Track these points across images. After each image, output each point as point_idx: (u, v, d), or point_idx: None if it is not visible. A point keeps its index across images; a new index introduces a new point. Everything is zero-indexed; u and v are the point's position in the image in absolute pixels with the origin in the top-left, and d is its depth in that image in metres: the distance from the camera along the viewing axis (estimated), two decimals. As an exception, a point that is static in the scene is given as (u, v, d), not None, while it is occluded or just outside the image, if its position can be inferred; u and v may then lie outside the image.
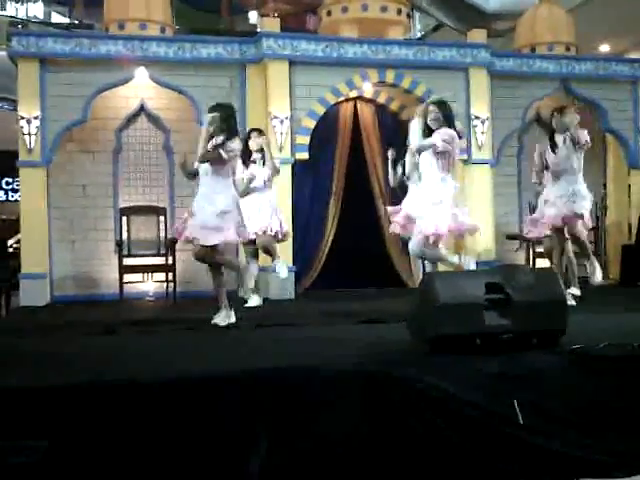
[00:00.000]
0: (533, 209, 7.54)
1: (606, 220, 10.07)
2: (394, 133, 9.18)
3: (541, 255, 8.02)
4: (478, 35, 9.45)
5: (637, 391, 3.51)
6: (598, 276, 6.43)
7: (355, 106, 9.53)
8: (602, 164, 10.44)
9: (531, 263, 8.87)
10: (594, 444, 3.30)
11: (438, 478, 3.15)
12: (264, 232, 6.86)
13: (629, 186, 10.30)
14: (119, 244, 8.12)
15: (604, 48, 13.54)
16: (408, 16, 10.38)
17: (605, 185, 10.21)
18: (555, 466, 3.18)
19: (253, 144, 7.02)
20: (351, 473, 3.12)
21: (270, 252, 6.96)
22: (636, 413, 3.46)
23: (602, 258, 9.63)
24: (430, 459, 3.19)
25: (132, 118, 8.80)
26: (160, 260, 8.17)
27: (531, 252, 9.00)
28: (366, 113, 9.57)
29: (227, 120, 5.47)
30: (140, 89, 8.68)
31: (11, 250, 10.98)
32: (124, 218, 8.37)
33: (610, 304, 6.71)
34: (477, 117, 9.09)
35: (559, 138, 6.51)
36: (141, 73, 8.42)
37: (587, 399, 3.46)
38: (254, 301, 6.80)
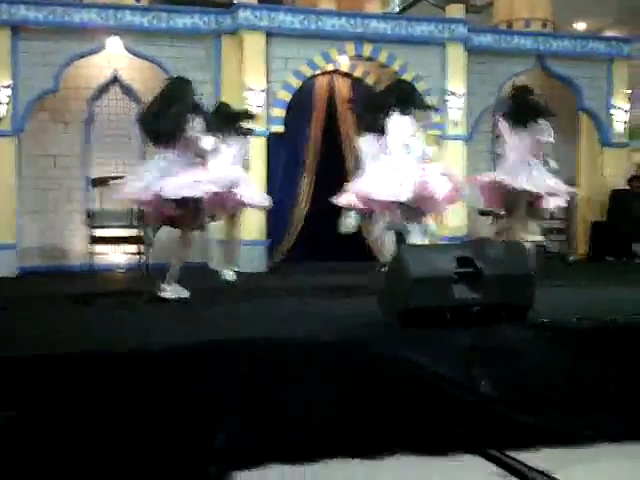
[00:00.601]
0: None
1: (577, 197, 10.15)
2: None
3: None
4: (456, 10, 9.43)
5: (599, 363, 3.56)
6: None
7: (331, 80, 9.48)
8: (575, 141, 10.51)
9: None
10: (559, 414, 3.35)
11: (408, 448, 3.18)
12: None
13: (601, 164, 10.38)
14: (90, 215, 8.05)
15: (580, 26, 13.56)
16: (386, -10, 10.33)
17: (577, 162, 10.28)
18: (521, 435, 3.23)
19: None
20: (322, 445, 3.14)
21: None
22: (599, 383, 3.52)
23: (572, 233, 9.77)
24: (401, 430, 3.22)
25: (105, 88, 8.70)
26: (131, 232, 8.12)
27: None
28: (342, 87, 9.52)
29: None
30: (113, 59, 8.56)
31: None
32: (95, 189, 8.28)
33: (579, 278, 6.79)
34: (453, 93, 9.09)
35: None
36: (115, 42, 8.30)
37: (554, 371, 3.50)
38: (228, 275, 6.80)
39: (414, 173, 5.57)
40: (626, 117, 10.10)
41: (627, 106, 10.16)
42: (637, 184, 10.30)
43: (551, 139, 6.49)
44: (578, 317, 3.82)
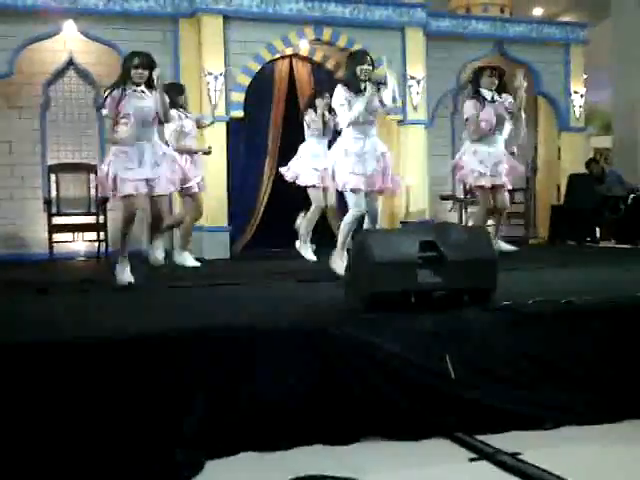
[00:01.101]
0: None
1: (536, 181, 10.30)
2: (329, 92, 9.11)
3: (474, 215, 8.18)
4: (415, -5, 9.43)
5: (564, 345, 3.62)
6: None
7: (291, 64, 9.43)
8: (533, 126, 10.63)
9: (464, 223, 9.02)
10: (525, 397, 3.40)
11: (375, 433, 3.20)
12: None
13: (559, 148, 10.53)
14: (48, 202, 7.91)
15: (537, 11, 13.70)
16: (345, -27, 10.25)
17: (536, 147, 10.41)
18: (488, 419, 3.27)
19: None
20: (289, 431, 3.14)
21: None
22: (565, 366, 3.57)
23: (532, 218, 9.90)
24: (366, 415, 3.23)
25: (60, 72, 8.53)
26: (91, 219, 8.00)
27: (464, 212, 9.15)
28: (302, 71, 9.48)
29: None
30: (69, 42, 8.39)
31: None
32: (53, 176, 8.14)
33: (539, 262, 6.88)
34: (413, 77, 9.11)
35: None
36: (69, 26, 8.13)
37: (518, 354, 3.54)
38: (190, 261, 6.77)
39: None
40: (582, 102, 10.24)
41: (584, 90, 10.30)
42: (595, 168, 10.48)
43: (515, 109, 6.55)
44: (535, 300, 3.87)
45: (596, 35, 11.06)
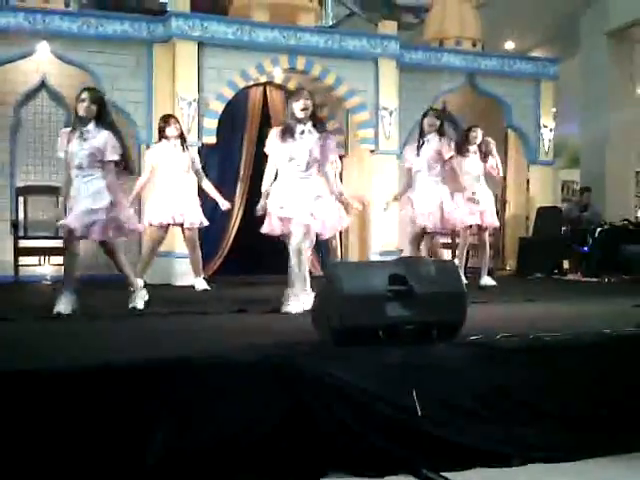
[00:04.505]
0: None
1: (505, 214, 10.40)
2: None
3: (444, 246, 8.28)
4: (388, 26, 9.56)
5: (533, 381, 3.62)
6: None
7: (265, 91, 9.47)
8: (503, 159, 10.75)
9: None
10: (493, 433, 3.38)
11: (341, 469, 3.16)
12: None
13: (527, 181, 10.66)
14: (15, 225, 7.80)
15: (509, 45, 13.91)
16: (320, 4, 10.38)
17: (505, 179, 10.52)
18: (455, 455, 3.25)
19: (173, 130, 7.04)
20: (254, 465, 3.09)
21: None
22: (533, 403, 3.57)
23: (501, 250, 9.98)
24: (332, 450, 3.20)
25: (32, 94, 8.49)
26: (58, 242, 7.88)
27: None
28: (276, 99, 9.52)
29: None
30: (41, 64, 8.36)
31: None
32: (21, 198, 8.04)
33: (507, 295, 6.92)
34: (385, 108, 9.20)
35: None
36: (43, 48, 8.10)
37: (487, 389, 3.53)
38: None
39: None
40: (551, 136, 10.40)
41: (553, 124, 10.47)
42: (585, 197, 10.55)
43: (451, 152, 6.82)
44: (503, 335, 3.88)
45: (567, 69, 11.27)
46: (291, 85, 9.51)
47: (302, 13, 9.57)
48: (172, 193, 6.93)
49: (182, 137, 7.10)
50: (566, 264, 10.39)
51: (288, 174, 5.30)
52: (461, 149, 7.26)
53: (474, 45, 10.33)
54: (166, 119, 7.12)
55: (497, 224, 7.72)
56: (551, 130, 10.40)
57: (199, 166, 7.19)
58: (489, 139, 7.47)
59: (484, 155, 7.41)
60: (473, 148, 7.40)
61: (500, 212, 9.88)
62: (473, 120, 10.31)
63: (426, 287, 3.75)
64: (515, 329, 4.08)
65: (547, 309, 5.71)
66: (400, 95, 9.35)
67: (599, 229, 9.71)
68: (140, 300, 5.34)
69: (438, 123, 6.83)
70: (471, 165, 7.38)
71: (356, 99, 9.15)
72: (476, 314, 4.27)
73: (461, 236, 7.49)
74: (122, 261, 5.25)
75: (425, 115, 6.95)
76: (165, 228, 7.00)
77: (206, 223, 7.09)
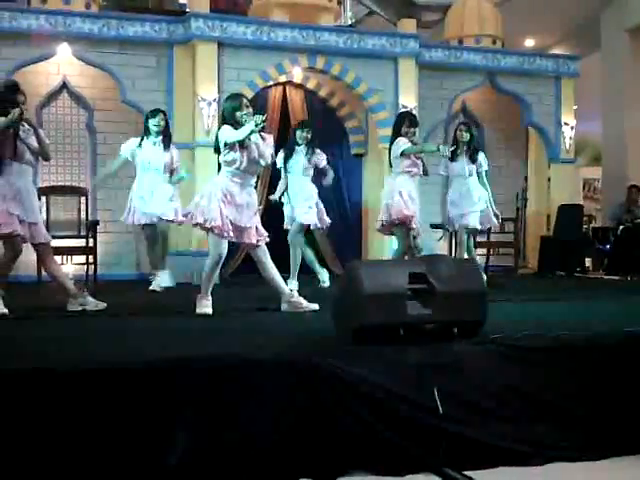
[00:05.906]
0: None
1: (526, 212, 10.33)
2: (323, 119, 9.18)
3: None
4: (408, 25, 9.53)
5: (553, 380, 3.60)
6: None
7: (284, 91, 9.47)
8: (524, 157, 10.70)
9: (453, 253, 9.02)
10: (513, 433, 3.37)
11: (361, 468, 3.16)
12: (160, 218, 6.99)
13: (548, 179, 10.58)
14: (37, 225, 7.84)
15: (529, 43, 13.82)
16: (339, 3, 10.38)
17: (526, 178, 10.45)
18: (476, 454, 3.24)
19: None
20: (275, 465, 3.10)
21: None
22: (552, 402, 3.55)
23: (522, 248, 9.92)
24: (352, 449, 3.20)
25: (53, 95, 8.54)
26: (80, 242, 7.95)
27: (454, 242, 9.14)
28: (295, 98, 9.52)
29: None
30: (63, 66, 8.42)
31: None
32: (43, 198, 8.09)
33: (528, 293, 6.88)
34: (405, 107, 9.15)
35: None
36: (64, 49, 8.16)
37: (506, 388, 3.52)
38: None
39: None
40: (572, 133, 10.32)
41: (574, 122, 10.38)
42: (634, 193, 10.28)
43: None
44: (524, 333, 3.86)
45: (587, 66, 11.17)
46: (310, 84, 9.52)
47: (321, 12, 9.55)
48: (149, 192, 6.97)
49: (165, 134, 7.03)
50: (588, 262, 10.32)
51: None
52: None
53: (494, 43, 10.27)
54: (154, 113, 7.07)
55: (492, 224, 7.62)
56: (572, 128, 10.31)
57: (177, 165, 7.17)
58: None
59: (472, 154, 7.28)
60: (462, 148, 7.31)
61: (521, 210, 9.83)
62: (494, 119, 10.32)
63: (447, 286, 3.74)
64: (536, 328, 4.06)
65: (568, 308, 5.68)
66: (419, 93, 9.31)
67: (621, 227, 9.62)
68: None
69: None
70: (460, 166, 7.31)
71: (375, 98, 9.13)
72: (497, 312, 4.25)
73: (458, 235, 7.44)
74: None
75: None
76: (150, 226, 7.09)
77: (181, 219, 6.67)
